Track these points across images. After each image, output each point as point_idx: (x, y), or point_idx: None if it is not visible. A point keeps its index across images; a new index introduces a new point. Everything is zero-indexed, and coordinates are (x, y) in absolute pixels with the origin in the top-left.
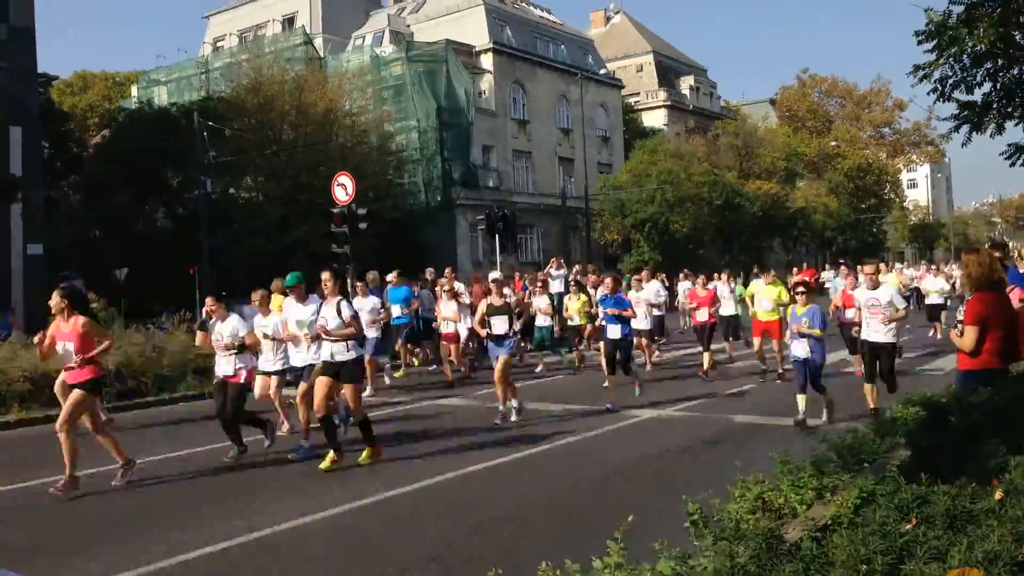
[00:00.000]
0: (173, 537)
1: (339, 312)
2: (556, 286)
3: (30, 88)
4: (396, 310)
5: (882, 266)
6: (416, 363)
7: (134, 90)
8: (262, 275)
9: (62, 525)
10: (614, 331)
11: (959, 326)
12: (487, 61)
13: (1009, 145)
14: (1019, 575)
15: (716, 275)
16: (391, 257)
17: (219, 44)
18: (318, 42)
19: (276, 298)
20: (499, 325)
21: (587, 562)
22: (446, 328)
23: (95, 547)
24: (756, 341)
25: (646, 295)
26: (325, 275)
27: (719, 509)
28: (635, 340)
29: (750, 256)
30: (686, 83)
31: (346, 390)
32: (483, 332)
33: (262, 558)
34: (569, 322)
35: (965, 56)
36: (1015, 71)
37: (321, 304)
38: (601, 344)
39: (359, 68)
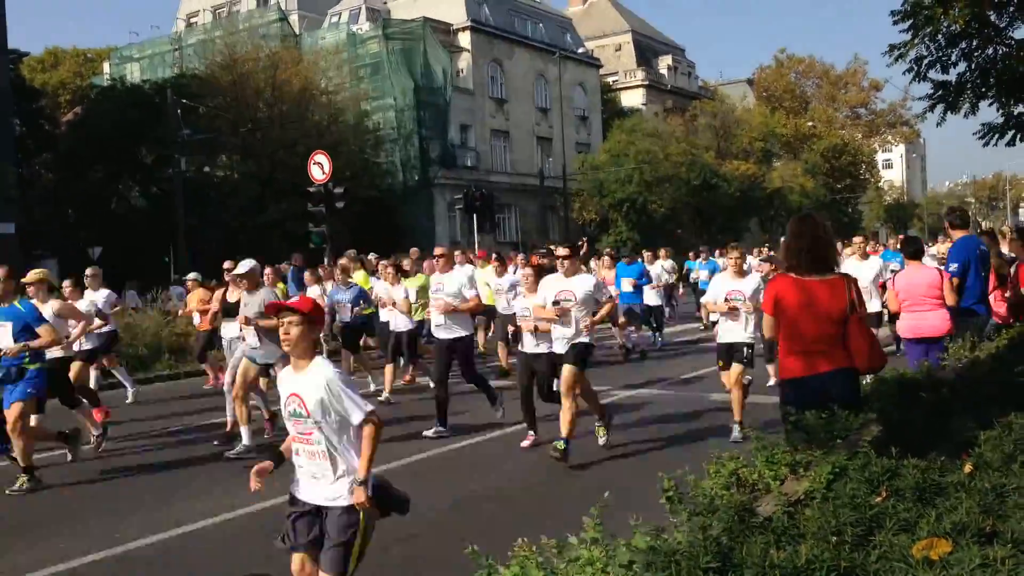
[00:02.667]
0: (152, 515)
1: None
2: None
3: (1, 65)
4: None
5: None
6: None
7: (106, 67)
8: (237, 254)
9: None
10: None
11: None
12: (465, 39)
13: (983, 125)
14: (986, 545)
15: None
16: (368, 236)
17: (192, 20)
18: (293, 19)
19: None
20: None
21: (564, 538)
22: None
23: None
24: None
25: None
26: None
27: (694, 485)
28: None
29: (728, 236)
30: (664, 63)
31: None
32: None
33: (247, 534)
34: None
35: (940, 36)
36: (990, 51)
37: None
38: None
39: (335, 46)
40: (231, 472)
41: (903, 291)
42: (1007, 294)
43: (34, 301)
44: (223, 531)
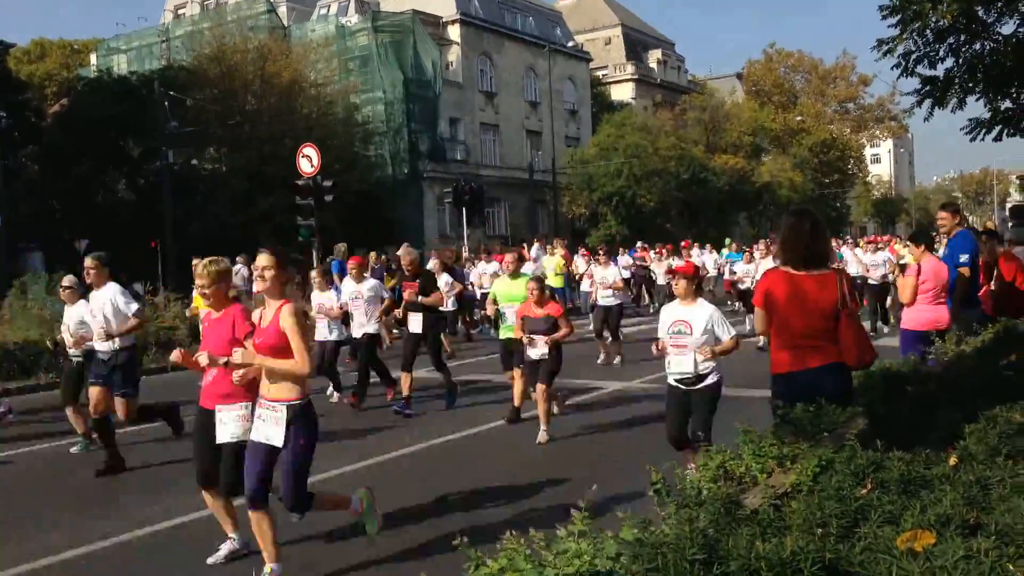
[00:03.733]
0: (137, 511)
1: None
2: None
3: None
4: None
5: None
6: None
7: (93, 58)
8: (225, 247)
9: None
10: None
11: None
12: (454, 32)
13: (970, 120)
14: (969, 537)
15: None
16: (357, 230)
17: (180, 12)
18: (282, 11)
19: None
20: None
21: (552, 531)
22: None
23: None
24: None
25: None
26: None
27: (682, 478)
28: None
29: (717, 230)
30: (654, 57)
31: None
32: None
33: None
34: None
35: (928, 31)
36: (977, 46)
37: None
38: None
39: (324, 38)
40: None
41: (931, 280)
42: (992, 287)
43: None
44: (208, 527)
